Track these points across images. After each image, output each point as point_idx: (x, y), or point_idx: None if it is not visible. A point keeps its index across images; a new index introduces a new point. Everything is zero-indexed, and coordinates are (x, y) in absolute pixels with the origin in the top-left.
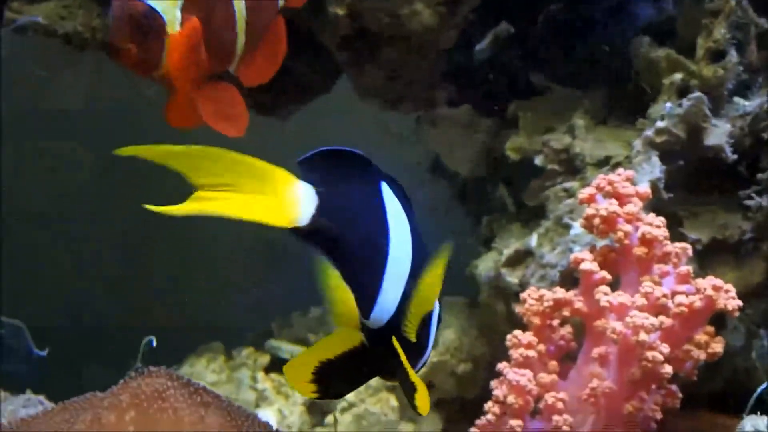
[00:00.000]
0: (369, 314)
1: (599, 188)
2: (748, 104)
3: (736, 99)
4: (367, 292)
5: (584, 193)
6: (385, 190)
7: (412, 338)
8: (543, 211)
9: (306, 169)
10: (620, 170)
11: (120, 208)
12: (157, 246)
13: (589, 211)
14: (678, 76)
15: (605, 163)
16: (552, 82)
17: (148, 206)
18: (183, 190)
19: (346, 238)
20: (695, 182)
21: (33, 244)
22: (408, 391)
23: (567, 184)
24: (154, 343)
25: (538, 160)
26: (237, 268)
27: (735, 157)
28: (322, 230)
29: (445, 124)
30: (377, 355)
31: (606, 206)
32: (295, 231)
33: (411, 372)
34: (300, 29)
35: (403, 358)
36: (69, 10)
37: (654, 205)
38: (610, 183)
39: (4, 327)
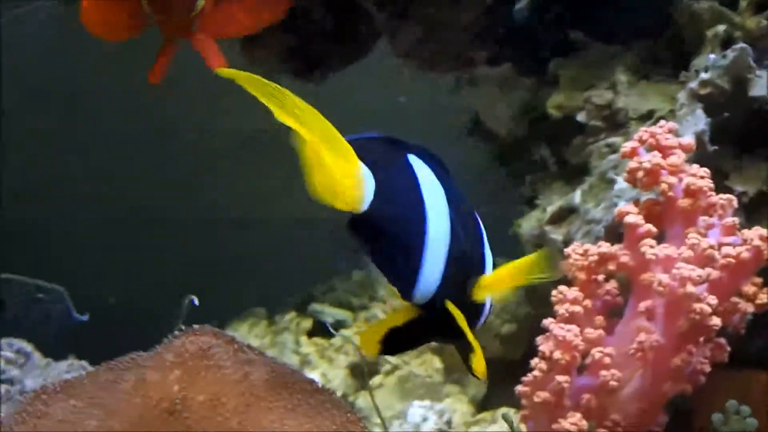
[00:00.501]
0: (411, 296)
1: (642, 141)
2: None
3: None
4: (406, 276)
5: (627, 146)
6: (415, 163)
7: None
8: (586, 167)
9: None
10: (662, 122)
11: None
12: (198, 209)
13: (632, 164)
14: (721, 28)
15: (649, 117)
16: (592, 39)
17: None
18: None
19: (391, 227)
20: (741, 134)
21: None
22: (465, 355)
23: (610, 140)
24: (196, 302)
25: (581, 117)
26: (281, 233)
27: None
28: (375, 219)
29: (485, 83)
30: (433, 323)
31: (649, 159)
32: (353, 217)
33: (470, 335)
34: None
35: (463, 323)
36: None
37: (699, 158)
38: (653, 135)
39: (45, 292)
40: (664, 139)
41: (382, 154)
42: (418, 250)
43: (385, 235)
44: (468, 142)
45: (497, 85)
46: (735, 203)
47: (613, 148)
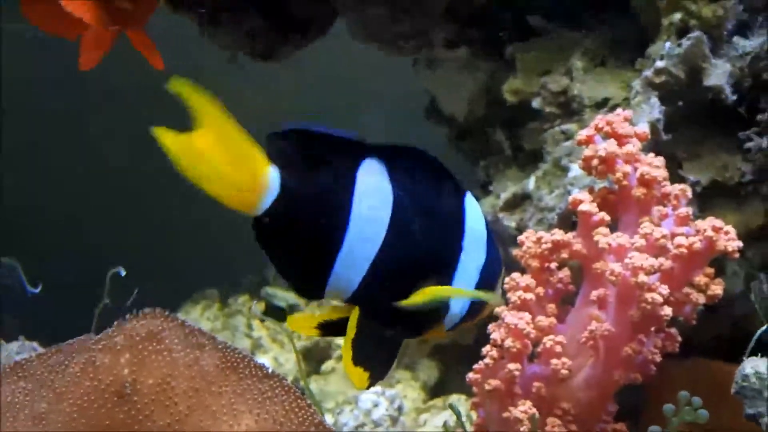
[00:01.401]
0: (313, 297)
1: (597, 129)
2: (748, 44)
3: (736, 39)
4: (307, 279)
5: (582, 134)
6: (368, 168)
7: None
8: (540, 154)
9: (277, 144)
10: (619, 110)
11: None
12: (153, 188)
13: (588, 152)
14: (677, 16)
15: (603, 105)
16: (551, 24)
17: (155, 129)
18: None
19: (291, 232)
20: (695, 123)
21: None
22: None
23: (565, 127)
24: (123, 273)
25: (536, 103)
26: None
27: (735, 97)
28: (273, 223)
29: (443, 66)
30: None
31: (605, 147)
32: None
33: (346, 344)
34: None
35: (350, 329)
36: None
37: (653, 147)
38: (609, 123)
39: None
40: (620, 127)
41: (321, 158)
42: (325, 255)
43: (284, 239)
44: (425, 124)
45: (455, 67)
46: (689, 193)
47: (568, 135)
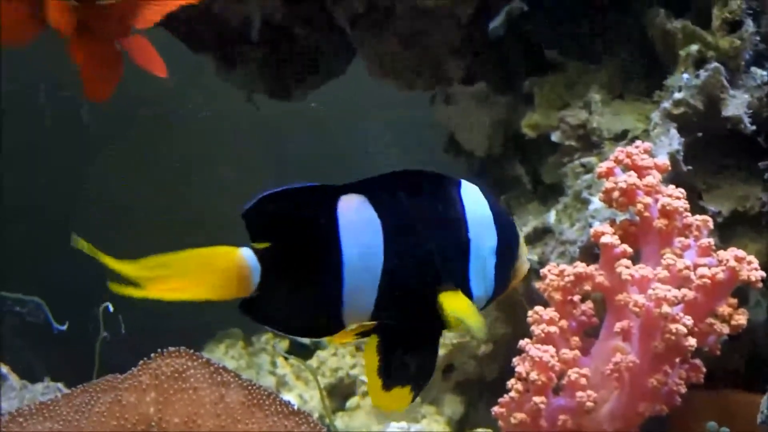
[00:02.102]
0: (335, 330)
1: (618, 161)
2: (765, 74)
3: (753, 69)
4: (329, 313)
5: (603, 166)
6: (344, 205)
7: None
8: (560, 187)
9: (255, 217)
10: (638, 142)
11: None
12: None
13: (608, 184)
14: (694, 48)
15: (623, 137)
16: (567, 58)
17: (112, 286)
18: None
19: (287, 293)
20: (714, 154)
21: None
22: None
23: (584, 160)
24: (111, 309)
25: (555, 137)
26: None
27: (753, 127)
28: (262, 297)
29: (461, 101)
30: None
31: (625, 179)
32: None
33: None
34: (313, 7)
35: (370, 361)
36: None
37: (673, 178)
38: (629, 155)
39: (21, 305)
40: (640, 159)
41: (292, 214)
42: (329, 299)
43: (279, 306)
44: (444, 158)
45: (473, 102)
46: (710, 224)
47: (588, 168)
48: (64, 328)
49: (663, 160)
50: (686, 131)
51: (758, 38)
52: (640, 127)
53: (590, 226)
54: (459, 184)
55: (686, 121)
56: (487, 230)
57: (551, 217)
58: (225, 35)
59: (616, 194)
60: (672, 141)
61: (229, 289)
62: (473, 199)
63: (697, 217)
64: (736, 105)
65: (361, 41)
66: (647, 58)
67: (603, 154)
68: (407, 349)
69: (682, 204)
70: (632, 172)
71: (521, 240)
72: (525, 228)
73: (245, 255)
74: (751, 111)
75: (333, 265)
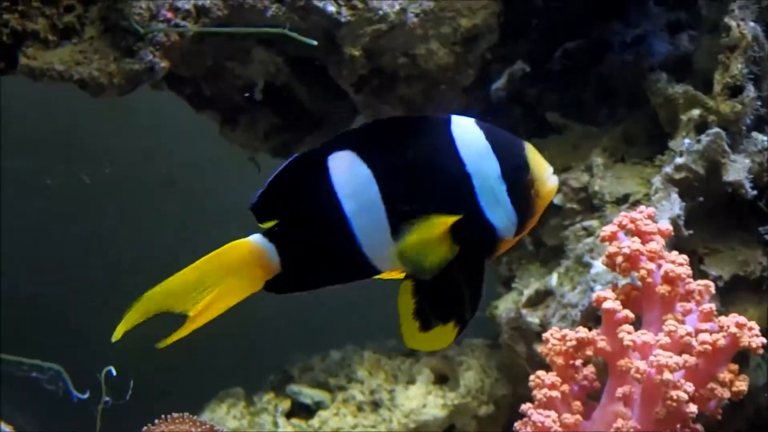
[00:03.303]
0: (371, 273)
1: (621, 226)
2: (766, 139)
3: (755, 134)
4: (354, 264)
5: (606, 230)
6: (334, 167)
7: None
8: (562, 250)
9: (263, 209)
10: (641, 207)
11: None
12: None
13: (612, 249)
14: (696, 112)
15: (624, 201)
16: (569, 120)
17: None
18: None
19: (312, 258)
20: (715, 218)
21: None
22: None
23: (586, 223)
24: (114, 373)
25: (557, 199)
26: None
27: (754, 192)
28: (289, 278)
29: None
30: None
31: (629, 244)
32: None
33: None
34: (316, 69)
35: (405, 306)
36: (84, 56)
37: (674, 242)
38: (632, 221)
39: (41, 371)
40: (643, 224)
41: (290, 189)
42: (348, 254)
43: (306, 273)
44: None
45: None
46: (712, 289)
47: (590, 231)
48: (85, 397)
49: (666, 225)
50: (688, 196)
51: (759, 103)
52: (642, 191)
53: (592, 289)
54: (448, 121)
55: (688, 186)
56: (486, 159)
57: (553, 279)
58: (229, 95)
59: (619, 259)
60: (673, 206)
61: (257, 277)
62: (465, 131)
63: (699, 282)
64: (737, 170)
65: (364, 104)
66: (649, 122)
67: (604, 218)
68: (446, 287)
69: (685, 270)
70: (636, 238)
71: (537, 159)
72: (526, 290)
73: (256, 241)
74: (752, 176)
75: (340, 224)
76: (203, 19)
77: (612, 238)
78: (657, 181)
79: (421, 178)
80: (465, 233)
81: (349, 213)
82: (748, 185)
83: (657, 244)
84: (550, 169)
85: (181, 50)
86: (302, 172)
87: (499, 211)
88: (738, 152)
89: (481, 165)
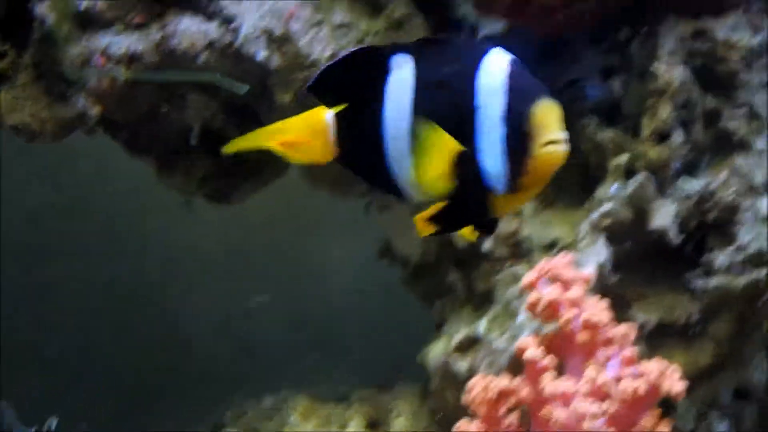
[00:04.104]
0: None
1: (542, 274)
2: (694, 184)
3: (682, 179)
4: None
5: (527, 278)
6: (398, 64)
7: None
8: (492, 295)
9: (322, 89)
10: (561, 254)
11: None
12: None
13: (532, 297)
14: (624, 158)
15: (553, 247)
16: None
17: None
18: None
19: (357, 153)
20: (642, 264)
21: None
22: None
23: (515, 269)
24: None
25: (486, 245)
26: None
27: (681, 238)
28: (345, 155)
29: (395, 208)
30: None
31: (549, 292)
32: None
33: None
34: (251, 114)
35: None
36: (18, 102)
37: (601, 288)
38: (552, 268)
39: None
40: (564, 271)
41: (351, 77)
42: (380, 158)
43: (358, 161)
44: (380, 264)
45: (407, 210)
46: (634, 335)
47: (518, 277)
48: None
49: (587, 272)
50: (615, 241)
51: (687, 147)
52: (571, 236)
53: (518, 336)
54: (486, 51)
55: (615, 232)
56: (496, 96)
57: (482, 326)
58: (165, 139)
59: (540, 307)
60: (600, 252)
61: (326, 149)
62: (494, 63)
63: (621, 327)
64: (664, 216)
65: None
66: (580, 166)
67: (533, 264)
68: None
69: (606, 316)
70: (556, 285)
71: (546, 117)
72: (456, 336)
73: (327, 115)
74: (679, 221)
75: (378, 125)
76: (135, 66)
77: (533, 285)
78: (584, 227)
79: (442, 100)
80: (461, 168)
81: (387, 116)
82: (674, 231)
83: (577, 291)
84: (557, 134)
85: (114, 96)
86: (365, 63)
87: (492, 155)
88: (665, 198)
89: (489, 101)
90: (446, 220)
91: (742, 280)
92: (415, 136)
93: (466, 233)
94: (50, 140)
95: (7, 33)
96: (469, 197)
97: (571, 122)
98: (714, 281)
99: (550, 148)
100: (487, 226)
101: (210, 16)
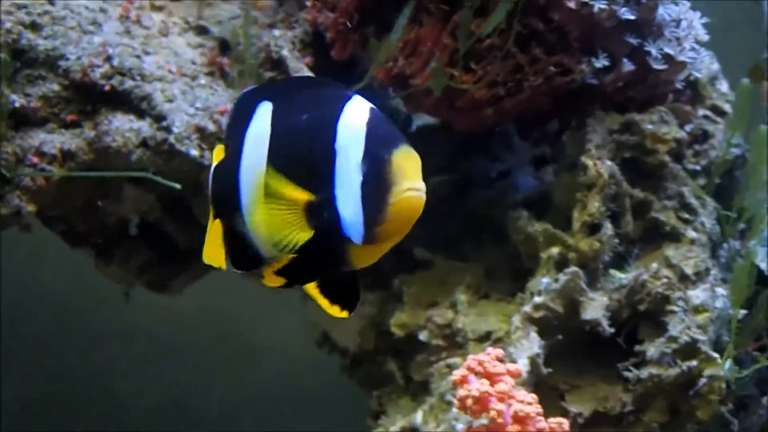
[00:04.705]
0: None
1: (470, 369)
2: (624, 276)
3: (612, 271)
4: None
5: (456, 374)
6: (260, 112)
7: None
8: (428, 386)
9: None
10: (489, 349)
11: None
12: None
13: (462, 392)
14: (555, 250)
15: (487, 338)
16: (436, 255)
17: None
18: None
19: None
20: (575, 355)
21: None
22: None
23: (450, 360)
24: None
25: (423, 336)
26: None
27: (612, 329)
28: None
29: None
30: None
31: (477, 386)
32: None
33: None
34: (186, 207)
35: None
36: None
37: (535, 380)
38: (480, 363)
39: None
40: (492, 366)
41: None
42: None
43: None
44: (317, 353)
45: None
46: (566, 426)
47: (453, 369)
48: None
49: (516, 366)
50: (547, 334)
51: (617, 240)
52: (504, 328)
53: (454, 428)
54: (348, 97)
55: (547, 324)
56: (356, 142)
57: (418, 417)
58: (102, 231)
59: (469, 402)
60: (532, 344)
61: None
62: (355, 109)
63: (552, 420)
64: (595, 307)
65: None
66: (513, 257)
67: (468, 355)
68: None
69: (534, 409)
70: (485, 380)
71: (406, 164)
72: (392, 428)
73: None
74: (610, 313)
75: (234, 179)
76: (69, 163)
77: (462, 381)
78: (516, 320)
79: (300, 148)
80: (316, 217)
81: (243, 169)
82: (605, 323)
83: (506, 384)
84: (416, 183)
85: (48, 193)
86: (243, 110)
87: (349, 202)
88: (596, 290)
89: (348, 146)
90: (296, 272)
91: (673, 371)
92: (264, 187)
93: (335, 311)
94: None
95: None
96: (324, 248)
97: (503, 214)
98: (646, 372)
99: (409, 194)
100: (348, 302)
101: (141, 114)
